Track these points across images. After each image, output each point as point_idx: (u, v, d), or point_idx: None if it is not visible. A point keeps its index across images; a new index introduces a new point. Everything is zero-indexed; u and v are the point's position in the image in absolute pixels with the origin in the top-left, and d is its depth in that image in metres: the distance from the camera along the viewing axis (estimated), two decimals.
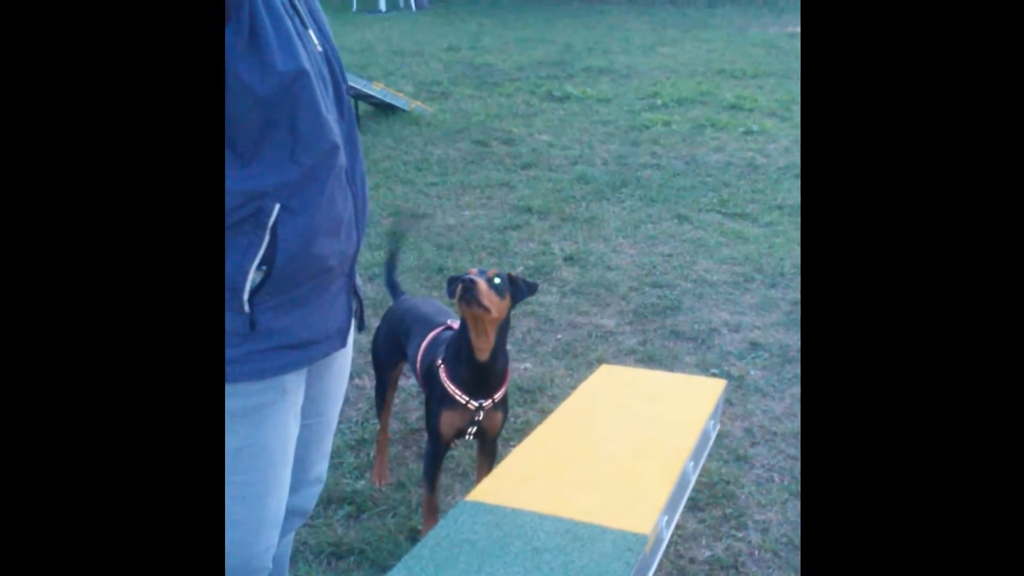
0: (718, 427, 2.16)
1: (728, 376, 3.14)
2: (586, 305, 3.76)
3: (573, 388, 2.99)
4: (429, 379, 2.17)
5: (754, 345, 3.38)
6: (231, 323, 1.27)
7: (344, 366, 1.60)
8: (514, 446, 2.04)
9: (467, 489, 2.46)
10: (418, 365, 2.25)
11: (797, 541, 2.28)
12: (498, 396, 2.08)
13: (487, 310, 1.94)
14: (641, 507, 1.56)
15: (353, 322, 1.53)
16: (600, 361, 3.25)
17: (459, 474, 2.58)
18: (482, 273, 1.98)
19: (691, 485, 1.87)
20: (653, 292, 3.91)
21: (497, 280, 1.97)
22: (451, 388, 2.05)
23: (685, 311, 3.71)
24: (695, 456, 1.86)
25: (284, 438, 1.39)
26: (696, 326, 3.55)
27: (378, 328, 2.56)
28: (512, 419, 2.82)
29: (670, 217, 4.97)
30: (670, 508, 1.64)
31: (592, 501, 1.58)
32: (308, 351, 1.37)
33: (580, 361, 3.25)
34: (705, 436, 1.96)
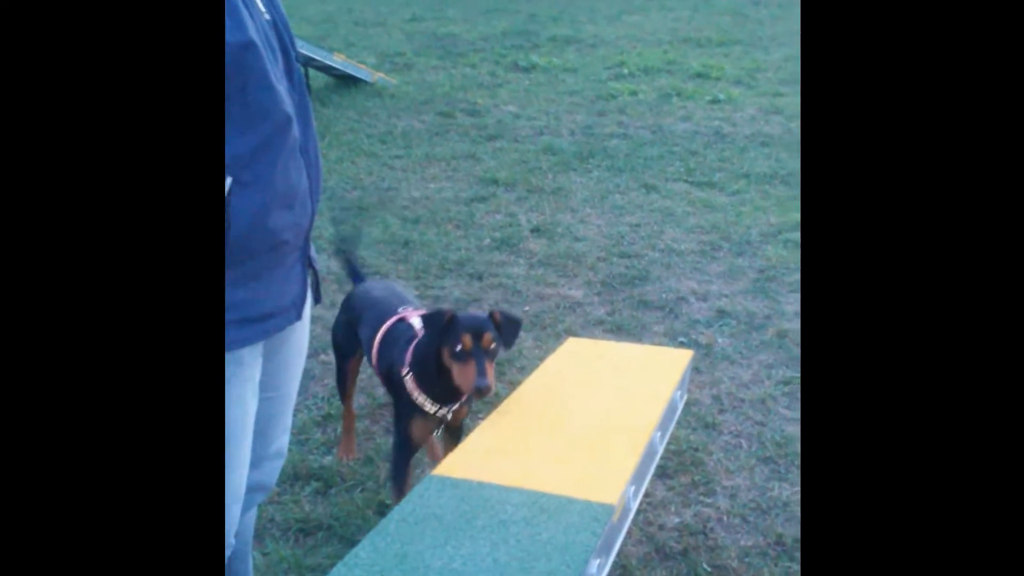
0: (685, 397, 2.16)
1: (696, 344, 3.15)
2: (554, 276, 3.74)
3: (541, 360, 2.98)
4: (392, 384, 2.08)
5: (721, 313, 3.39)
6: None
7: (302, 339, 1.57)
8: (481, 419, 2.02)
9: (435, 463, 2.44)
10: (374, 360, 2.16)
11: (765, 506, 2.30)
12: (465, 396, 2.01)
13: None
14: (608, 477, 1.55)
15: (310, 295, 1.50)
16: (568, 332, 3.24)
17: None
18: (479, 354, 1.84)
19: (658, 455, 1.87)
20: (621, 262, 3.90)
21: (493, 346, 1.88)
22: (421, 399, 1.98)
23: (653, 280, 3.70)
24: (662, 426, 1.86)
25: (243, 412, 1.36)
26: (664, 295, 3.55)
27: (337, 317, 2.46)
28: None
29: (637, 187, 4.96)
30: (637, 478, 1.64)
31: (559, 473, 1.57)
32: (264, 324, 1.34)
33: (548, 332, 3.24)
34: (672, 406, 1.96)
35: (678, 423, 2.63)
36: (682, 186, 4.97)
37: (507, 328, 1.93)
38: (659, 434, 1.83)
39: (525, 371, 2.91)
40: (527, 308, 3.45)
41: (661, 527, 2.22)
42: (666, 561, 2.11)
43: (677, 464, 2.46)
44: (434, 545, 1.34)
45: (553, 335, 3.22)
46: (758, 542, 2.17)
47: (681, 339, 3.19)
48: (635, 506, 1.64)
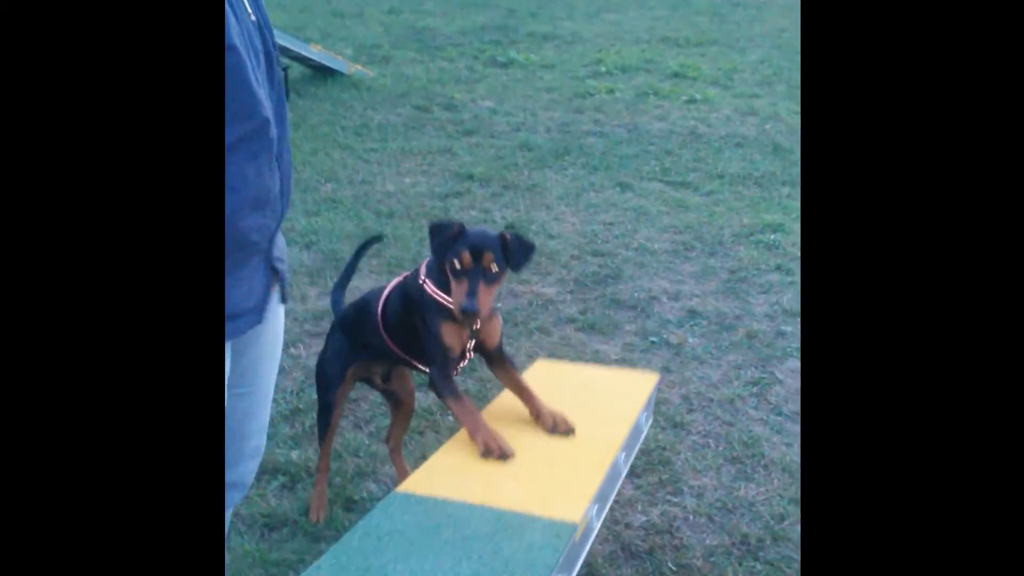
0: (651, 420, 2.18)
1: (666, 344, 3.17)
2: (527, 274, 3.74)
3: (514, 355, 2.98)
4: (414, 301, 1.93)
5: (692, 313, 3.41)
6: None
7: (276, 337, 1.56)
8: (444, 438, 2.01)
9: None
10: (380, 320, 2.02)
11: (731, 505, 2.32)
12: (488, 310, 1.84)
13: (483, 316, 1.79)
14: (571, 496, 1.56)
15: (277, 294, 1.49)
16: (540, 331, 3.25)
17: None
18: (476, 274, 1.74)
19: (622, 477, 1.89)
20: (594, 260, 3.91)
21: (495, 267, 1.76)
22: (444, 299, 1.83)
23: (626, 279, 3.72)
24: (627, 447, 1.88)
25: None
26: (636, 294, 3.57)
27: (324, 347, 2.25)
28: None
29: (612, 185, 4.97)
30: (600, 498, 1.65)
31: (523, 491, 1.58)
32: (230, 324, 1.33)
33: (521, 330, 3.24)
34: (637, 428, 1.98)
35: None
36: (657, 185, 4.99)
37: (516, 250, 1.80)
38: (623, 455, 1.85)
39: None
40: (499, 305, 3.45)
41: (627, 526, 2.24)
42: (632, 560, 2.12)
43: (645, 463, 2.48)
44: (396, 559, 1.34)
45: (525, 332, 3.22)
46: (723, 541, 2.19)
47: (652, 338, 3.21)
48: (598, 525, 1.65)
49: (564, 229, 4.29)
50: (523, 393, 1.90)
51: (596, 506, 1.61)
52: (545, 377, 2.13)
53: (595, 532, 1.63)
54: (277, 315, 1.53)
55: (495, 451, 1.69)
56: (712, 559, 2.13)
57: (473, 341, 1.92)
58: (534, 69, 8.07)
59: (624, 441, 1.83)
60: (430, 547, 1.37)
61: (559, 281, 3.69)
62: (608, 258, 3.94)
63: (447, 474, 1.64)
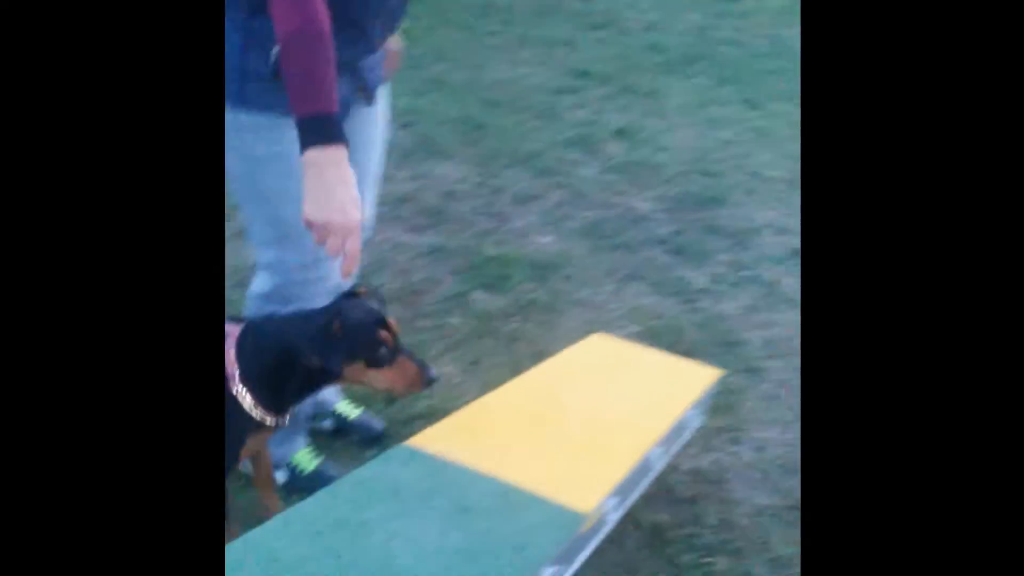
0: (702, 419, 1.99)
1: (759, 281, 2.93)
2: (625, 184, 3.52)
3: (591, 269, 2.83)
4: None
5: (795, 252, 3.13)
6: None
7: (365, 136, 1.69)
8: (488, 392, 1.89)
9: (458, 359, 2.36)
10: None
11: (790, 465, 2.13)
12: None
13: None
14: (589, 484, 1.42)
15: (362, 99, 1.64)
16: (625, 247, 3.06)
17: (452, 343, 2.47)
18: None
19: (654, 474, 1.72)
20: (701, 180, 3.64)
21: None
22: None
23: (730, 205, 3.45)
24: (665, 444, 1.71)
25: None
26: (738, 223, 3.30)
27: None
28: (518, 296, 2.68)
29: (739, 101, 4.60)
30: (622, 491, 1.50)
31: (538, 468, 1.44)
32: None
33: (605, 244, 3.06)
34: (682, 425, 1.81)
35: (720, 361, 2.46)
36: (788, 107, 4.58)
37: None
38: (659, 451, 1.68)
39: (572, 280, 2.76)
40: (588, 214, 3.26)
41: (675, 468, 2.09)
42: (671, 505, 1.99)
43: (709, 406, 2.31)
44: (382, 517, 1.24)
45: (609, 247, 3.04)
46: (774, 502, 2.02)
47: (745, 272, 2.97)
48: (615, 519, 1.51)
49: (676, 142, 4.00)
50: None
51: (615, 500, 1.47)
52: (597, 352, 1.97)
53: (609, 527, 1.50)
54: (364, 116, 1.66)
55: None
56: (758, 519, 1.97)
57: None
58: None
59: (663, 436, 1.67)
60: (421, 511, 1.27)
61: (657, 197, 3.46)
62: (717, 179, 3.65)
63: (462, 434, 1.52)
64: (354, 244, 1.26)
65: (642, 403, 1.78)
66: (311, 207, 1.24)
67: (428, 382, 1.41)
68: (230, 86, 1.43)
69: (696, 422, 1.94)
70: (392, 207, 3.13)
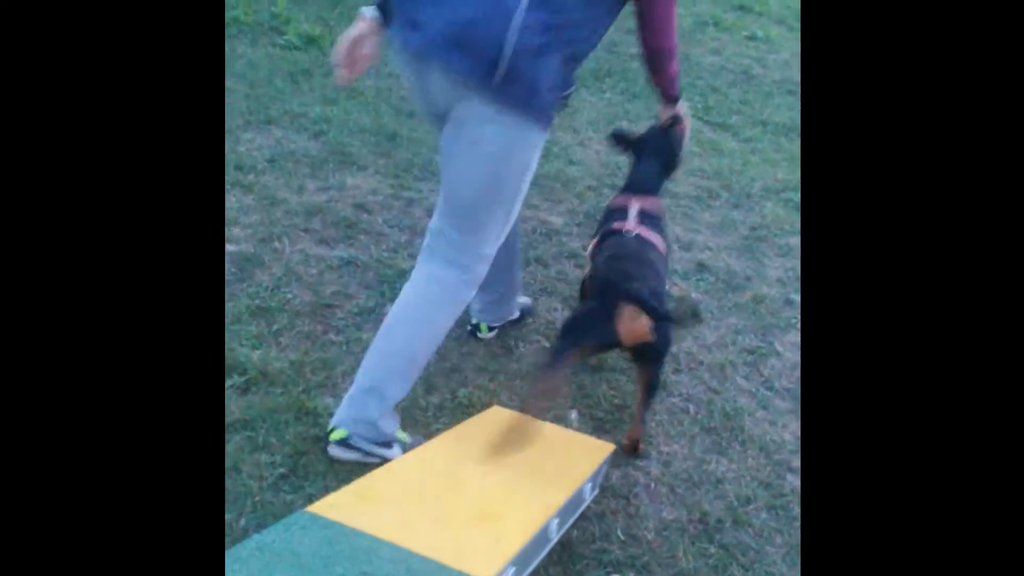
0: (596, 492, 2.07)
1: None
2: (537, 199, 3.56)
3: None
4: None
5: (701, 267, 3.23)
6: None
7: (464, 132, 1.93)
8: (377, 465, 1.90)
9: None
10: None
11: (696, 479, 2.20)
12: None
13: None
14: (489, 552, 1.45)
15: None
16: (538, 262, 3.10)
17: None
18: None
19: (551, 544, 1.78)
20: (611, 194, 3.70)
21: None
22: None
23: None
24: (562, 514, 1.77)
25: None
26: None
27: None
28: None
29: (649, 116, 4.70)
30: (521, 561, 1.53)
31: (439, 537, 1.46)
32: None
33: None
34: (578, 498, 1.88)
35: (627, 376, 2.52)
36: (695, 124, 4.71)
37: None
38: (556, 522, 1.74)
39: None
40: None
41: None
42: (580, 521, 2.02)
43: (615, 420, 2.36)
44: None
45: (522, 261, 3.06)
46: (680, 517, 2.08)
47: None
48: None
49: (587, 156, 4.07)
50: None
51: (513, 568, 1.50)
52: (497, 424, 2.02)
53: None
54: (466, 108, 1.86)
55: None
56: (664, 533, 2.02)
57: None
58: None
59: (560, 508, 1.72)
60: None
61: (569, 211, 3.51)
62: None
63: (365, 502, 1.53)
64: None
65: (542, 475, 1.84)
66: None
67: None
68: (550, 111, 1.89)
69: (590, 495, 2.01)
70: (303, 219, 3.08)
